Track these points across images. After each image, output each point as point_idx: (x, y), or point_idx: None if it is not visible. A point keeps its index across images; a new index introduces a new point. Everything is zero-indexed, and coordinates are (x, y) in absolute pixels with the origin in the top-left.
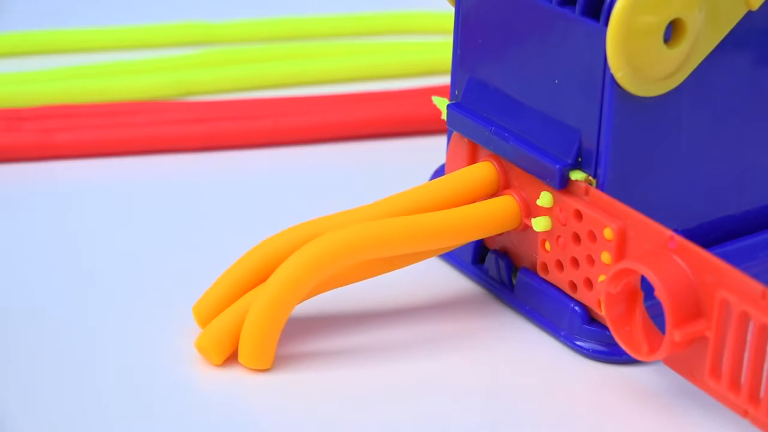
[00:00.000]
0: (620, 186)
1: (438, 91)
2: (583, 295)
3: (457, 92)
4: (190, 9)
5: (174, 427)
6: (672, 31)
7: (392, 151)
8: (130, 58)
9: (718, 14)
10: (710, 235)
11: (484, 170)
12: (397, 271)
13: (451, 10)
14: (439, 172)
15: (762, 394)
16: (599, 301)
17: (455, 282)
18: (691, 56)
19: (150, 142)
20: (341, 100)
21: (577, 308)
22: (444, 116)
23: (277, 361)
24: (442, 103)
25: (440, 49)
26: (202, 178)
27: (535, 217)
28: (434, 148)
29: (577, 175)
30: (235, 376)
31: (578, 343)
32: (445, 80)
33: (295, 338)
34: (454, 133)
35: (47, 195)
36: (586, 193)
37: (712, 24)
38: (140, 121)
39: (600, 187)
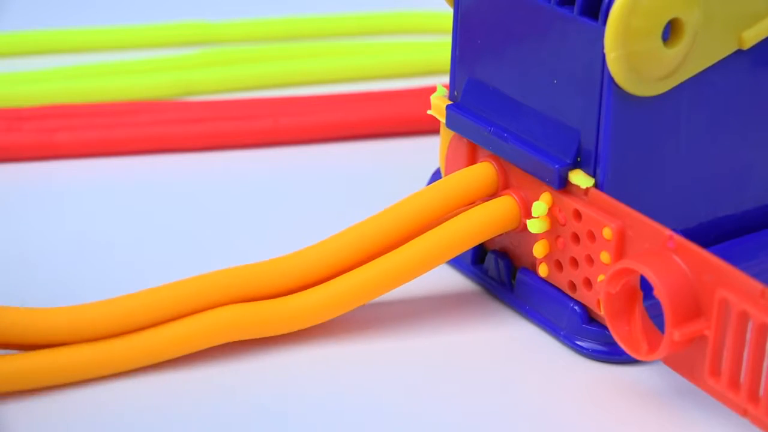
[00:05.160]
0: (619, 186)
1: None
2: (582, 294)
3: (456, 93)
4: (190, 9)
5: None
6: (670, 31)
7: (392, 151)
8: (130, 58)
9: (709, 44)
10: (710, 235)
11: (484, 171)
12: None
13: (451, 10)
14: (438, 173)
15: (761, 393)
16: (598, 300)
17: (455, 282)
18: (688, 61)
19: (150, 142)
20: (341, 100)
21: (576, 308)
22: (431, 109)
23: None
24: (442, 91)
25: (440, 49)
26: (202, 178)
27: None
28: (434, 148)
29: (583, 182)
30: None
31: (578, 342)
32: (445, 80)
33: (295, 338)
34: (454, 133)
35: (47, 195)
36: (586, 192)
37: (701, 52)
38: (140, 121)
39: (599, 186)
